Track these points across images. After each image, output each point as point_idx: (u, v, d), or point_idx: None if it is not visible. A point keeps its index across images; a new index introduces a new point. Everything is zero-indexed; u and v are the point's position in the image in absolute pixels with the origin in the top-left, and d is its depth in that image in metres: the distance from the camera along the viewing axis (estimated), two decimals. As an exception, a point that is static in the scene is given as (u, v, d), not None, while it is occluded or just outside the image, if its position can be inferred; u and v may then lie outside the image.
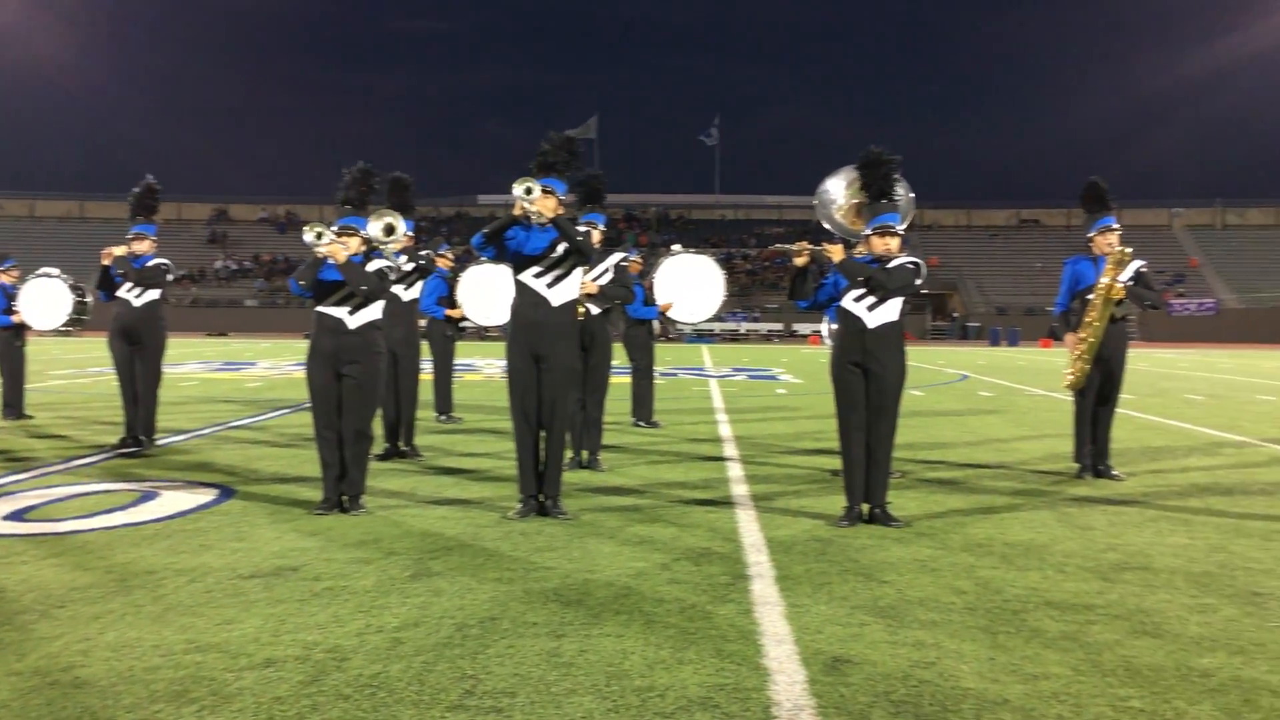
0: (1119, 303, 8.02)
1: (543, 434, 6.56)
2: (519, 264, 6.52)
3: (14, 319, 11.66)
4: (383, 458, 8.72)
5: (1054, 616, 4.41)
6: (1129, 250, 8.01)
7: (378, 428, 7.46)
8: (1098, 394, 8.23)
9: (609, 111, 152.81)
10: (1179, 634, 4.19)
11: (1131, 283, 8.01)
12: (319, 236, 6.39)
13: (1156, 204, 72.65)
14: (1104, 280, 7.96)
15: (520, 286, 6.53)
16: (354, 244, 6.60)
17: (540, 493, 6.52)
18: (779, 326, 57.49)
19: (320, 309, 6.58)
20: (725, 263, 65.80)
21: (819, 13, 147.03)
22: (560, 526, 6.15)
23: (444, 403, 12.04)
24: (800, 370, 24.11)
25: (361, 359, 6.54)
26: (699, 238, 71.50)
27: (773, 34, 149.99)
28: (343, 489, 6.57)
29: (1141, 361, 29.55)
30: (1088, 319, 8.06)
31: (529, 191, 6.28)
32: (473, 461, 8.81)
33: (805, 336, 51.73)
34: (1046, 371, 23.91)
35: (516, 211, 6.36)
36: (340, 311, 6.55)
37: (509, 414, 6.62)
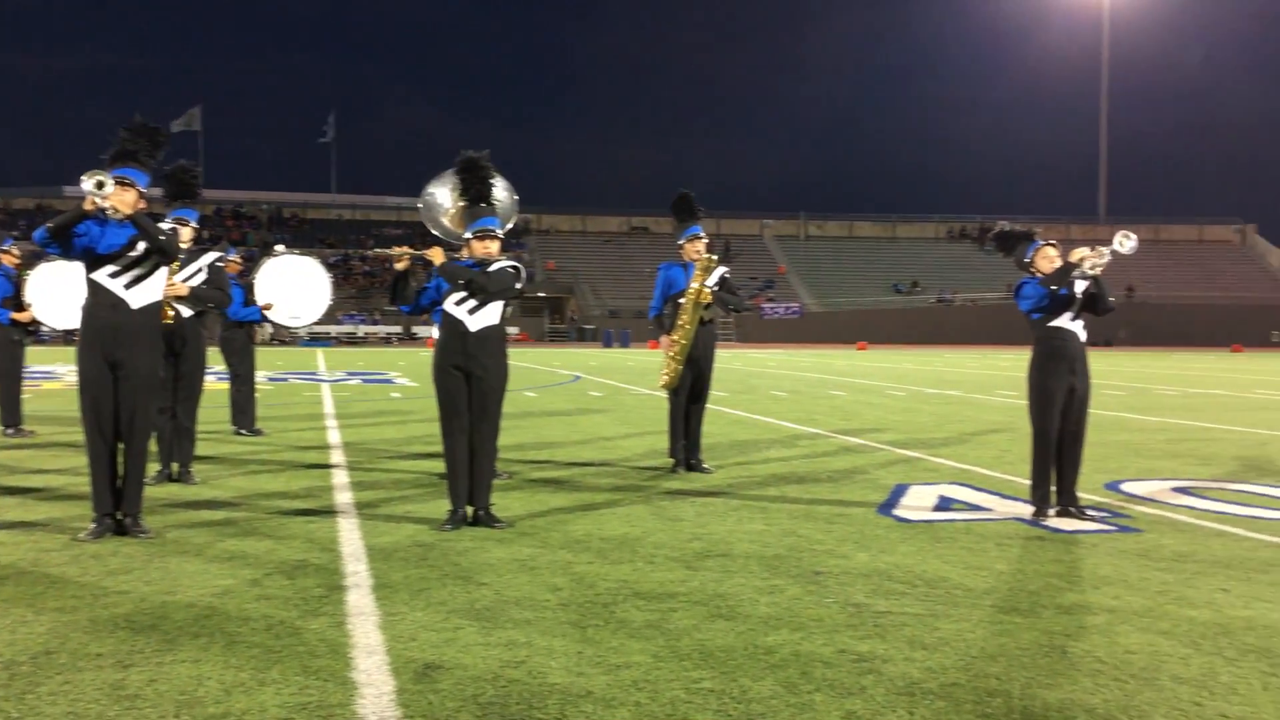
0: (707, 306, 8.57)
1: (121, 447, 6.03)
2: (92, 262, 5.94)
3: None
4: (-71, 479, 7.70)
5: (640, 607, 4.62)
6: (715, 257, 8.58)
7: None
8: (690, 392, 8.74)
9: (216, 103, 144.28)
10: (749, 615, 4.51)
11: (716, 288, 8.59)
12: None
13: (749, 215, 78.71)
14: (693, 285, 8.48)
15: (93, 287, 5.95)
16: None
17: (118, 510, 6.00)
18: (398, 329, 56.70)
19: None
20: (343, 265, 64.02)
21: (439, 14, 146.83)
22: (140, 546, 5.69)
23: (11, 415, 10.81)
24: (417, 374, 23.88)
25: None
26: (314, 238, 69.12)
27: (393, 33, 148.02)
28: None
29: (736, 361, 31.89)
30: (679, 322, 8.55)
31: (100, 186, 5.72)
32: (42, 479, 7.97)
33: (424, 340, 51.34)
34: (654, 371, 25.19)
35: (88, 206, 5.79)
36: None
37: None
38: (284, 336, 49.00)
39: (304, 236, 68.60)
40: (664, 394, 8.95)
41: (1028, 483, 7.04)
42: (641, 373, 24.89)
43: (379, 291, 63.16)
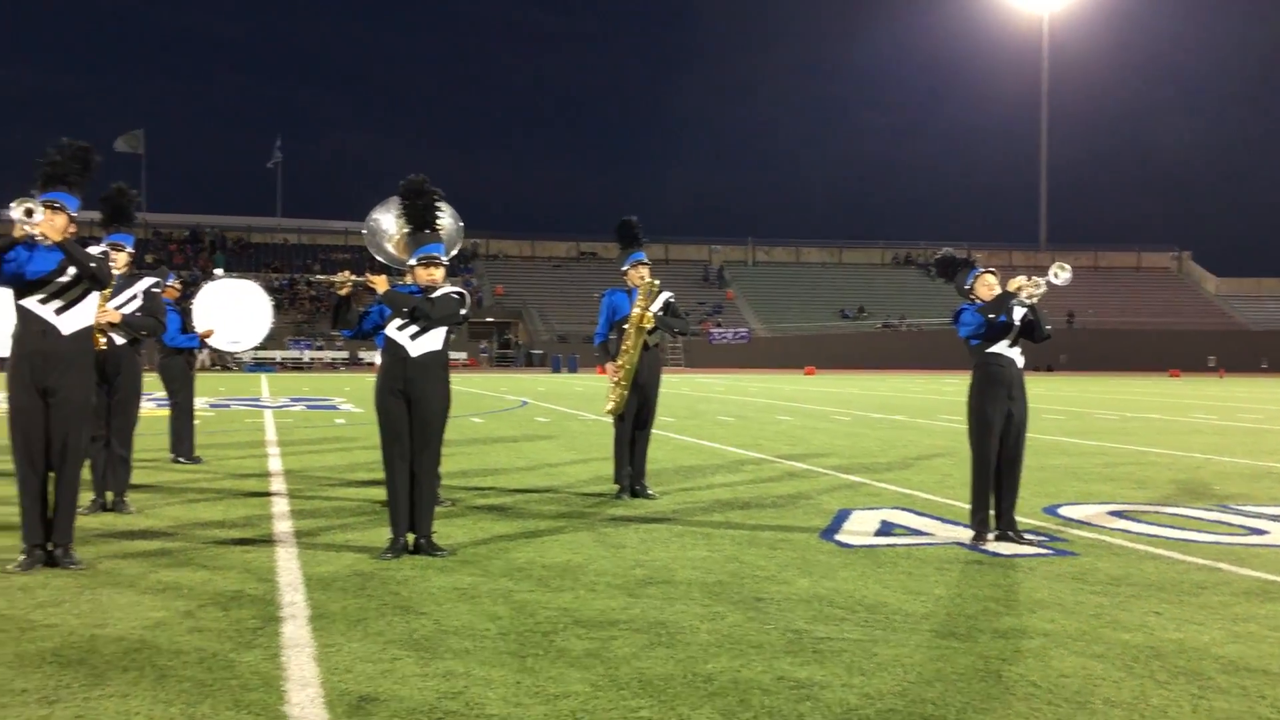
0: (651, 331, 8.60)
1: (53, 476, 5.90)
2: (21, 288, 5.83)
3: None
4: None
5: (581, 635, 4.59)
6: (658, 282, 8.62)
7: None
8: (635, 418, 8.75)
9: (159, 126, 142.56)
10: (690, 642, 4.51)
11: (661, 312, 8.63)
12: None
13: (698, 240, 79.17)
14: (636, 310, 8.51)
15: (22, 313, 5.84)
16: None
17: (49, 541, 5.86)
18: (344, 354, 56.17)
19: None
20: (288, 289, 63.39)
21: (384, 39, 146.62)
22: (70, 578, 5.56)
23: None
24: (363, 399, 23.66)
25: None
26: (260, 262, 68.42)
27: (336, 55, 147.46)
28: None
29: (684, 386, 31.94)
30: (624, 347, 8.57)
31: (30, 214, 5.60)
32: (-29, 509, 7.77)
33: (370, 364, 50.91)
34: (601, 397, 25.15)
35: (17, 233, 5.68)
36: None
37: (12, 454, 5.90)
38: (226, 362, 48.33)
39: (249, 261, 67.91)
40: (610, 420, 8.95)
41: (968, 507, 7.11)
42: (589, 398, 24.85)
43: (325, 316, 62.61)
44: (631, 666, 4.15)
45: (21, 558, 5.79)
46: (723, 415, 19.22)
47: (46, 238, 5.70)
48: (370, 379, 36.77)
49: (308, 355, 55.84)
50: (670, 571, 5.90)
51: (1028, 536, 6.86)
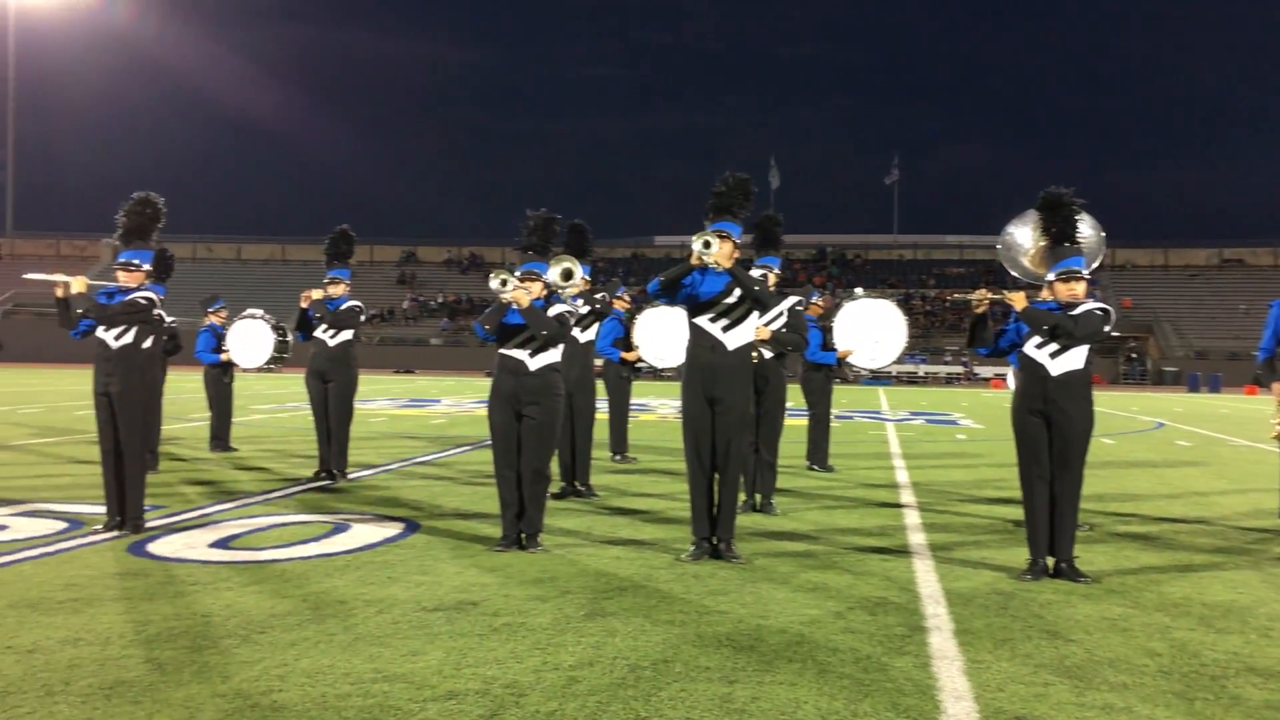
0: (1332, 350, 7.53)
1: (716, 476, 6.57)
2: (694, 308, 6.57)
3: (222, 357, 12.48)
4: (559, 496, 8.90)
5: (1257, 684, 4.15)
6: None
7: (554, 467, 7.64)
8: (1308, 447, 7.72)
9: (784, 152, 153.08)
10: (1402, 711, 3.87)
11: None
12: (504, 284, 6.60)
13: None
14: (1314, 325, 7.49)
15: (695, 330, 6.58)
16: (536, 289, 6.81)
17: (713, 535, 6.53)
18: (959, 369, 55.93)
19: (502, 351, 6.80)
20: (904, 304, 64.59)
21: (998, 52, 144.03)
22: (733, 570, 6.15)
23: (619, 443, 12.20)
24: (982, 415, 23.39)
25: (541, 400, 6.71)
26: (877, 278, 70.47)
27: (950, 73, 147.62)
28: (521, 527, 6.73)
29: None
30: (1296, 366, 7.59)
31: (708, 246, 6.32)
32: (646, 502, 8.90)
33: (987, 380, 50.13)
34: (1252, 421, 22.49)
35: (694, 261, 6.42)
36: (521, 354, 6.75)
37: (683, 455, 6.67)
38: (848, 375, 50.38)
39: (867, 277, 70.22)
40: (1276, 447, 7.97)
41: None
42: (1239, 422, 22.33)
43: (940, 331, 62.89)
44: (1326, 729, 3.66)
45: (691, 549, 6.51)
46: None
47: (719, 264, 6.38)
48: (986, 395, 36.27)
49: (922, 370, 56.42)
50: (1365, 625, 5.11)
51: None
